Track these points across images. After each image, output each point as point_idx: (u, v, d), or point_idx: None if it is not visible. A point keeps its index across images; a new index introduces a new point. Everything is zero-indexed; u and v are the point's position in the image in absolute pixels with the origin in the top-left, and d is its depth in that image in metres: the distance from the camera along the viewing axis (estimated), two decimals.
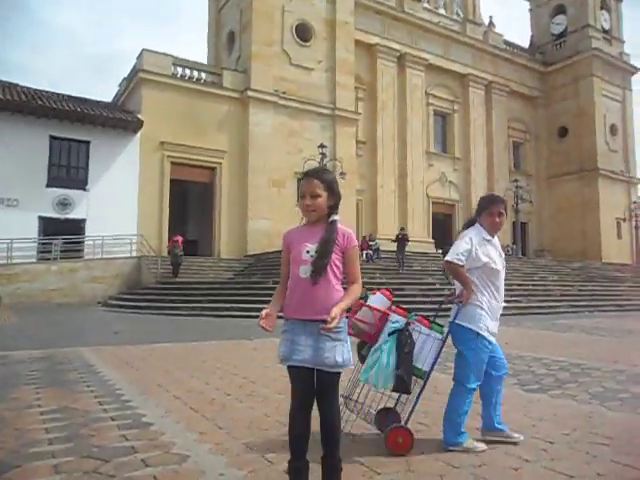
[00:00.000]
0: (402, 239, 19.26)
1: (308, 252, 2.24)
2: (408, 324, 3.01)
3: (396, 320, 3.03)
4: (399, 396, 3.18)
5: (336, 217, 2.33)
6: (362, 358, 3.11)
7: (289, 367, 2.25)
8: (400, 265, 19.00)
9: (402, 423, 2.99)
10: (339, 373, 2.27)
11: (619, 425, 3.41)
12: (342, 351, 2.22)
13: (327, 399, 2.28)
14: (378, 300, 3.15)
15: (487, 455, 2.79)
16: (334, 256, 2.26)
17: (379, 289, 3.25)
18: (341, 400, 2.45)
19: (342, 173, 22.71)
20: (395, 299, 3.21)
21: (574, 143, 37.60)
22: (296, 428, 2.25)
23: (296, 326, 2.24)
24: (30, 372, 5.38)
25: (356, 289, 2.29)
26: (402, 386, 2.91)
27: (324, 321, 2.17)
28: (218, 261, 21.61)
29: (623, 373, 5.41)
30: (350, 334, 2.49)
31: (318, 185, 2.30)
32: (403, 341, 2.92)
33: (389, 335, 2.95)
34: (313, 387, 2.24)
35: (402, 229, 20.90)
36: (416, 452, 2.84)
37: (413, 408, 3.02)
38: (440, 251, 28.61)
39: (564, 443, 3.02)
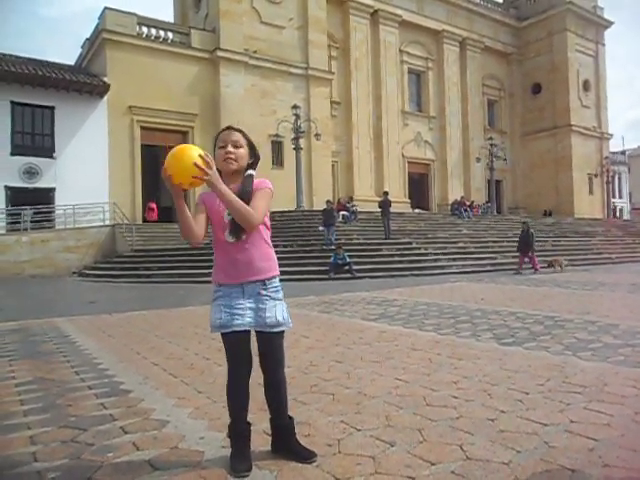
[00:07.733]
0: (386, 204, 18.07)
1: (229, 214, 2.05)
2: None
3: None
4: None
5: (252, 172, 2.15)
6: None
7: (227, 334, 2.13)
8: (387, 232, 17.76)
9: None
10: (282, 333, 2.20)
11: (591, 374, 3.50)
12: (282, 309, 2.17)
13: (273, 362, 2.21)
14: None
15: (464, 407, 2.84)
16: None
17: None
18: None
19: (317, 134, 22.44)
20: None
21: (548, 99, 37.70)
22: (240, 398, 2.18)
23: (232, 290, 2.12)
24: (3, 344, 5.27)
25: (249, 208, 1.99)
26: None
27: (263, 280, 2.12)
28: None
29: (594, 324, 5.55)
30: None
31: (240, 138, 2.15)
32: None
33: None
34: (251, 352, 2.17)
35: (386, 193, 19.49)
36: (395, 408, 2.87)
37: None
38: (417, 211, 28.72)
39: (538, 393, 3.08)
